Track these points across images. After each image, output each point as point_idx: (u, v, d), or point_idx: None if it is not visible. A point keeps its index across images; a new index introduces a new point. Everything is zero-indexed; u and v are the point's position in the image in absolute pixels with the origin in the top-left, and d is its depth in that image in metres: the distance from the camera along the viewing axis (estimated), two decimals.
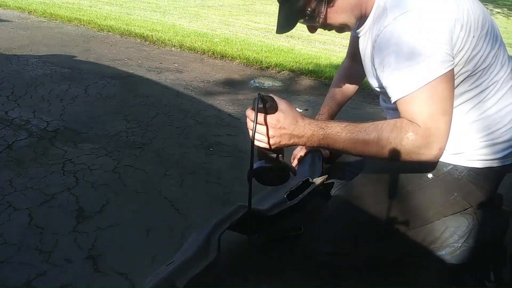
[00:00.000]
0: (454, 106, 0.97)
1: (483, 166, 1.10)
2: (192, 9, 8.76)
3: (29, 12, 6.13)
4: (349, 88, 1.57)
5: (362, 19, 1.10)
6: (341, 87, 1.57)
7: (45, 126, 2.19)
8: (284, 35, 6.11)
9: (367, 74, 1.19)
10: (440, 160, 1.01)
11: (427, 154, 0.93)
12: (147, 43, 4.71)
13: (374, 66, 1.06)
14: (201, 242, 1.10)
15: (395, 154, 0.94)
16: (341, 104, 1.58)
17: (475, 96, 1.05)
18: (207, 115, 2.55)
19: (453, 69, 0.94)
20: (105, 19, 5.66)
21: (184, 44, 4.54)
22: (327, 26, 1.11)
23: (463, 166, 1.10)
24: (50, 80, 2.99)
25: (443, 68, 0.91)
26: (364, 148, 0.95)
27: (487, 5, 13.21)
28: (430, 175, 1.12)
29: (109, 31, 5.13)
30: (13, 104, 2.46)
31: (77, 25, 5.46)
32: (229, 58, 4.12)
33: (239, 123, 2.48)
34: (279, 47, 5.06)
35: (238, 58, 4.09)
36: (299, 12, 1.06)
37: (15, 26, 5.05)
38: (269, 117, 0.94)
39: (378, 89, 1.14)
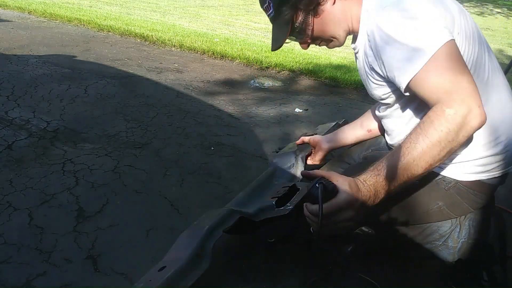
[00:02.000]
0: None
1: (473, 179, 1.07)
2: (192, 9, 8.76)
3: (29, 12, 6.13)
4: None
5: (353, 34, 1.12)
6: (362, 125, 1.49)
7: (45, 126, 2.19)
8: None
9: (367, 87, 1.17)
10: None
11: (474, 116, 0.84)
12: (147, 43, 4.71)
13: (371, 70, 1.05)
14: (194, 248, 1.07)
15: (455, 140, 0.86)
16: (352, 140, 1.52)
17: None
18: (207, 115, 2.55)
19: (454, 40, 0.89)
20: (105, 19, 5.66)
21: (184, 44, 4.54)
22: (317, 40, 1.15)
23: (451, 178, 1.08)
24: (50, 80, 2.99)
25: (443, 38, 0.87)
26: (426, 158, 0.87)
27: (487, 5, 13.22)
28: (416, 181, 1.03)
29: (109, 31, 5.13)
30: (13, 104, 2.46)
31: (77, 25, 5.46)
32: (229, 58, 4.13)
33: (239, 123, 2.48)
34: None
35: (238, 58, 4.09)
36: (289, 25, 1.10)
37: (15, 26, 5.05)
38: (334, 203, 0.87)
39: (381, 98, 1.12)
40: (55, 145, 2.00)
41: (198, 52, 4.38)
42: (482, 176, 1.06)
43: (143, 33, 4.89)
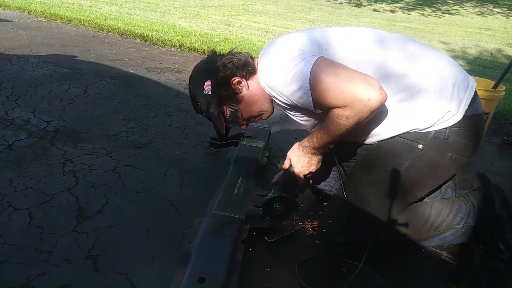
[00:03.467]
0: (394, 93, 1.15)
1: (458, 119, 1.19)
2: (192, 9, 8.76)
3: (29, 12, 6.13)
4: None
5: None
6: None
7: (45, 126, 2.19)
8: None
9: (299, 122, 1.39)
10: (422, 131, 1.20)
11: (362, 112, 1.05)
12: (147, 43, 4.71)
13: (288, 110, 1.30)
14: (229, 261, 1.16)
15: (350, 125, 1.10)
16: None
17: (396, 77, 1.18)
18: None
19: (322, 56, 1.12)
20: (105, 19, 5.66)
21: (184, 44, 4.54)
22: (250, 119, 1.40)
23: (443, 128, 1.20)
24: (50, 80, 2.99)
25: (310, 59, 1.09)
26: (333, 138, 1.17)
27: (487, 5, 13.21)
28: (420, 146, 1.22)
29: (109, 31, 5.13)
30: (13, 104, 2.46)
31: (77, 25, 5.45)
32: None
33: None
34: None
35: None
36: (221, 119, 1.36)
37: (15, 26, 5.05)
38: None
39: (310, 125, 1.37)
40: (55, 145, 2.00)
41: (198, 52, 4.38)
42: (464, 112, 1.19)
43: (143, 33, 4.89)
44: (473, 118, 1.23)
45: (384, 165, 1.26)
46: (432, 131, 1.20)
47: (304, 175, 1.33)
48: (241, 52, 1.36)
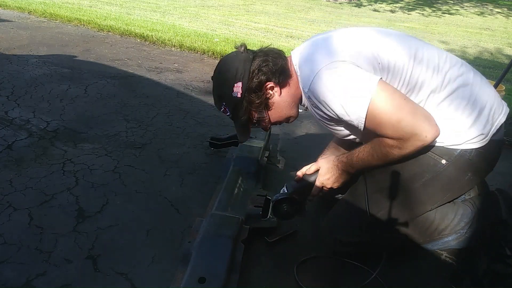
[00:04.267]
0: (436, 104, 1.14)
1: (486, 143, 1.18)
2: (192, 9, 8.76)
3: (29, 12, 6.13)
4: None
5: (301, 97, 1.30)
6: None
7: (45, 126, 2.19)
8: (283, 35, 6.12)
9: (333, 133, 1.33)
10: (449, 147, 1.18)
11: (417, 146, 1.07)
12: (147, 43, 4.71)
13: (330, 121, 1.23)
14: (229, 261, 1.16)
15: (397, 157, 1.12)
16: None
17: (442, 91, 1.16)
18: (207, 115, 2.55)
19: (381, 78, 1.09)
20: (105, 19, 5.65)
21: (184, 44, 4.54)
22: (275, 123, 1.34)
23: (471, 149, 1.19)
24: (50, 80, 2.99)
25: (374, 80, 1.06)
26: (377, 163, 1.17)
27: (487, 5, 13.21)
28: (443, 161, 1.20)
29: (109, 31, 5.13)
30: (13, 104, 2.46)
31: (77, 25, 5.45)
32: None
33: None
34: (279, 47, 5.04)
35: None
36: (248, 124, 1.32)
37: (15, 26, 5.05)
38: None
39: (347, 135, 1.30)
40: (55, 145, 2.00)
41: (198, 52, 4.38)
42: (491, 136, 1.19)
43: (143, 33, 4.89)
44: (497, 144, 1.22)
45: (404, 174, 1.23)
46: (459, 149, 1.18)
47: (324, 187, 1.29)
48: (273, 51, 1.27)
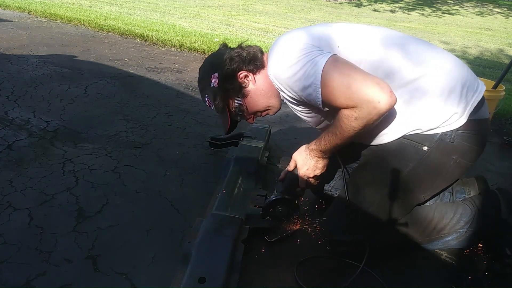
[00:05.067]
0: (402, 93, 1.15)
1: (464, 122, 1.19)
2: (192, 9, 8.76)
3: (29, 12, 6.13)
4: None
5: None
6: None
7: (45, 126, 2.19)
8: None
9: (303, 119, 1.38)
10: (427, 133, 1.20)
11: (372, 114, 1.06)
12: (147, 43, 4.71)
13: (295, 105, 1.28)
14: (229, 261, 1.16)
15: (359, 128, 1.10)
16: None
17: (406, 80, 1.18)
18: (207, 115, 2.55)
19: (335, 54, 1.12)
20: (105, 19, 5.66)
21: (184, 44, 4.54)
22: (256, 113, 1.39)
23: (449, 130, 1.20)
24: (50, 80, 2.99)
25: (323, 57, 1.09)
26: (342, 140, 1.16)
27: (487, 5, 13.21)
28: (425, 148, 1.22)
29: (109, 31, 5.13)
30: (13, 104, 2.46)
31: (77, 25, 5.46)
32: None
33: (239, 123, 2.47)
34: None
35: None
36: (227, 112, 1.36)
37: (15, 26, 5.05)
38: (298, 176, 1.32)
39: (315, 123, 1.37)
40: (55, 145, 2.00)
41: (198, 52, 4.38)
42: (469, 115, 1.19)
43: (143, 33, 4.89)
44: (479, 123, 1.22)
45: (388, 166, 1.26)
46: (438, 133, 1.20)
47: (308, 178, 1.33)
48: (251, 46, 1.34)
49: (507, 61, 5.13)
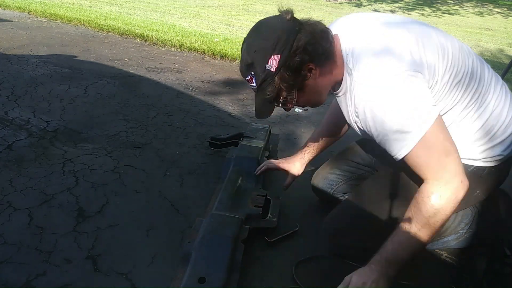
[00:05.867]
0: (460, 119, 1.09)
1: (499, 163, 1.17)
2: (192, 9, 8.76)
3: (29, 12, 6.13)
4: (338, 130, 1.58)
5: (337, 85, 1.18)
6: (330, 127, 1.58)
7: (45, 126, 2.19)
8: None
9: (352, 125, 1.23)
10: (464, 162, 1.09)
11: (458, 193, 0.99)
12: (147, 43, 4.71)
13: (361, 130, 1.13)
14: (229, 261, 1.16)
15: (440, 220, 1.01)
16: (327, 144, 1.60)
17: (473, 105, 1.11)
18: (207, 115, 2.55)
19: (438, 114, 1.00)
20: (105, 19, 5.65)
21: (184, 44, 4.54)
22: (300, 106, 1.24)
23: (484, 166, 1.17)
24: (50, 80, 2.99)
25: (430, 118, 0.98)
26: (422, 242, 1.04)
27: (487, 5, 13.21)
28: None
29: (109, 31, 5.13)
30: (13, 104, 2.46)
31: (77, 25, 5.45)
32: (229, 58, 4.12)
33: (239, 123, 2.48)
34: None
35: (238, 58, 4.08)
36: (273, 103, 1.15)
37: (15, 26, 5.05)
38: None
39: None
40: (55, 145, 2.00)
41: (198, 52, 4.38)
42: (505, 158, 1.16)
43: (143, 33, 4.89)
44: (508, 163, 1.21)
45: (415, 186, 1.15)
46: (473, 165, 1.15)
47: None
48: (321, 28, 1.10)
49: (507, 61, 5.13)
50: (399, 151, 1.01)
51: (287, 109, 1.21)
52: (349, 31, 1.13)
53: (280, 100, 1.15)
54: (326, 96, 1.19)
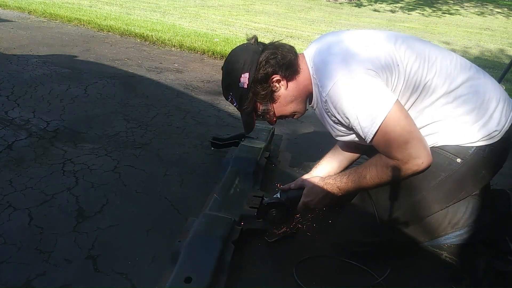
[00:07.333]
0: (442, 104, 1.17)
1: (499, 139, 1.19)
2: (192, 9, 8.76)
3: (29, 12, 6.13)
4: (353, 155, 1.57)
5: (310, 96, 1.29)
6: (345, 152, 1.57)
7: (45, 126, 2.19)
8: (284, 35, 6.11)
9: (332, 133, 1.33)
10: (463, 145, 1.18)
11: (419, 165, 1.11)
12: (147, 43, 4.71)
13: (336, 124, 1.24)
14: (217, 262, 1.15)
15: (392, 179, 1.15)
16: (341, 166, 1.58)
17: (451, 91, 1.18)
18: (207, 115, 2.55)
19: (397, 98, 1.12)
20: (105, 19, 5.66)
21: (184, 44, 4.54)
22: (281, 117, 1.34)
23: (485, 145, 1.19)
24: (50, 80, 2.99)
25: (390, 100, 1.09)
26: (369, 187, 1.22)
27: (487, 5, 13.21)
28: (458, 160, 1.21)
29: (109, 31, 5.13)
30: (13, 104, 2.46)
31: (77, 25, 5.46)
32: None
33: (239, 123, 2.47)
34: None
35: None
36: (253, 115, 1.31)
37: (15, 26, 5.05)
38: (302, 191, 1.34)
39: (345, 141, 1.34)
40: (55, 145, 2.00)
41: (198, 52, 4.38)
42: (504, 132, 1.20)
43: (143, 33, 4.89)
44: (507, 139, 1.23)
45: (418, 175, 1.20)
46: (473, 147, 1.19)
47: (307, 207, 1.32)
48: (284, 46, 1.27)
49: (507, 61, 5.12)
50: (368, 132, 1.11)
51: (271, 122, 1.35)
52: (315, 47, 1.26)
53: (259, 112, 1.30)
54: (303, 107, 1.32)
